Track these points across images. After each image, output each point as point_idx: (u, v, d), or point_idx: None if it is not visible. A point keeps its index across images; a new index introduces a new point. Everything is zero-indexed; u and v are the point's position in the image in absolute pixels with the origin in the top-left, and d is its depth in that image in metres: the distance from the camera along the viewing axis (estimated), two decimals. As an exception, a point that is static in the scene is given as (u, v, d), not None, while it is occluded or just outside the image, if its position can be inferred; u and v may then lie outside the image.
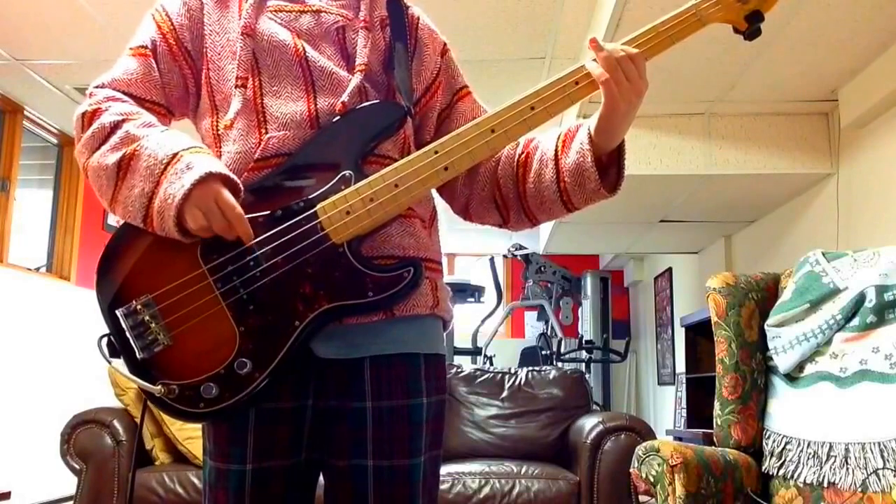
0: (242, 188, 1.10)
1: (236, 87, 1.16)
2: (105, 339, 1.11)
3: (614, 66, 1.10)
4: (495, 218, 1.32)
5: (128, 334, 1.09)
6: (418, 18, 1.31)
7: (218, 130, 1.18)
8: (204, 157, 1.09)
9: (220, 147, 1.17)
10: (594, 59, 1.12)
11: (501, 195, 1.28)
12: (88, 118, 1.14)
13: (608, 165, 1.21)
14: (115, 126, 1.11)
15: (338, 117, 1.15)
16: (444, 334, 1.27)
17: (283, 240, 1.09)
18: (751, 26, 1.14)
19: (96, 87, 1.18)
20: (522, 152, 1.27)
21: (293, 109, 1.15)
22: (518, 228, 1.33)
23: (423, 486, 1.16)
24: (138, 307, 1.09)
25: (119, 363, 1.11)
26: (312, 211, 1.10)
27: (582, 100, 1.16)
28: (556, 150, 1.21)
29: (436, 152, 1.13)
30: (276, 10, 1.21)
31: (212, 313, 1.09)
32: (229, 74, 1.18)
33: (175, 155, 1.07)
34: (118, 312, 1.10)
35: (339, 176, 1.12)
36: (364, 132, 1.15)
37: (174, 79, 1.21)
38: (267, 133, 1.15)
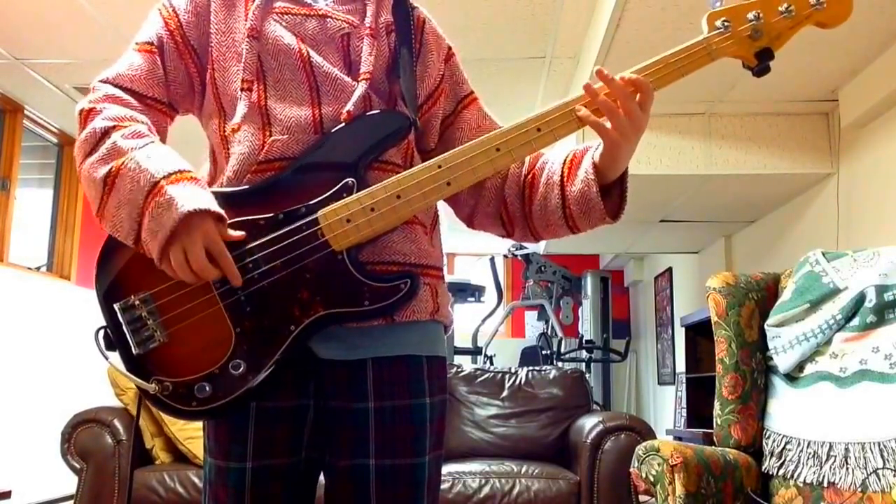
0: (231, 201, 1.10)
1: (242, 90, 1.15)
2: (102, 332, 1.11)
3: (613, 110, 1.11)
4: (499, 230, 1.33)
5: (124, 329, 1.09)
6: (424, 21, 1.29)
7: (225, 132, 1.18)
8: (185, 188, 1.06)
9: (228, 149, 1.17)
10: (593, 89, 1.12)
11: (507, 212, 1.29)
12: (85, 117, 1.14)
13: (611, 188, 1.21)
14: (105, 133, 1.10)
15: (343, 125, 1.15)
16: (445, 337, 1.27)
17: (282, 244, 1.09)
18: (760, 63, 1.15)
19: (100, 81, 1.18)
20: (528, 172, 1.28)
21: (297, 114, 1.15)
22: (521, 241, 1.34)
23: (427, 486, 1.16)
24: (136, 302, 1.09)
25: (115, 357, 1.11)
26: (313, 217, 1.10)
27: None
28: (561, 176, 1.22)
29: (439, 167, 1.13)
30: (282, 13, 1.20)
31: (209, 313, 1.09)
32: (234, 76, 1.18)
33: (156, 185, 1.05)
34: (116, 306, 1.10)
35: (341, 183, 1.12)
36: (368, 141, 1.15)
37: (179, 76, 1.21)
38: (271, 136, 1.14)
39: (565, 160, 1.23)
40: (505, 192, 1.28)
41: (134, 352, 1.09)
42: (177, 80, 1.21)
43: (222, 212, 1.08)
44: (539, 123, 1.14)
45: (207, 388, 1.07)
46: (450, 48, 1.32)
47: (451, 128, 1.30)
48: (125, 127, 1.12)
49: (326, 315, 1.09)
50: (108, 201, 1.09)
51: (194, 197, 1.05)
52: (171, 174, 1.07)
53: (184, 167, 1.09)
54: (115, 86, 1.17)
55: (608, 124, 1.13)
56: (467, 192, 1.28)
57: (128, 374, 1.09)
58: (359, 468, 1.13)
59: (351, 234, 1.10)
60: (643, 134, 1.15)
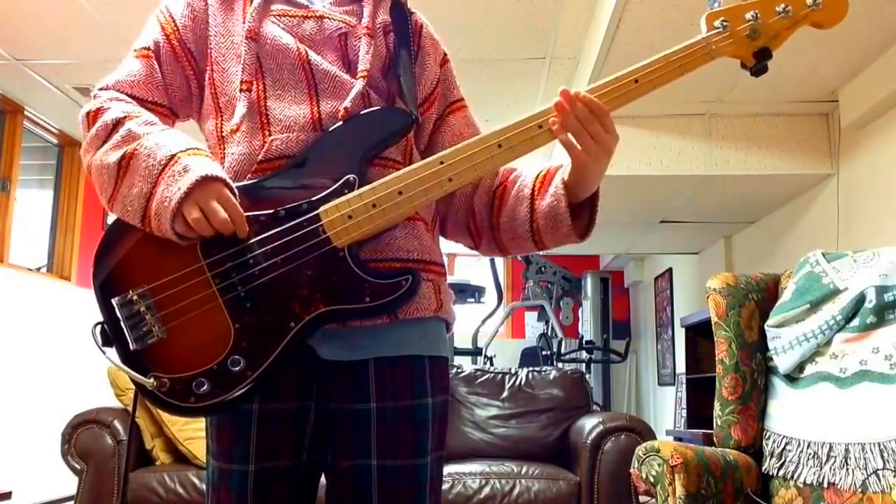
0: (237, 192, 1.10)
1: (241, 90, 1.16)
2: (99, 327, 1.10)
3: (580, 131, 1.10)
4: (467, 241, 1.33)
5: (122, 324, 1.09)
6: (422, 25, 1.30)
7: (222, 132, 1.19)
8: (201, 159, 1.09)
9: (224, 149, 1.18)
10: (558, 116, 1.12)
11: (475, 223, 1.29)
12: (92, 117, 1.14)
13: (581, 208, 1.21)
14: (117, 123, 1.12)
15: (344, 122, 1.15)
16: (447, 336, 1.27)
17: (284, 240, 1.09)
18: (758, 62, 1.17)
19: (100, 88, 1.19)
20: (500, 184, 1.28)
21: (296, 113, 1.16)
22: (488, 255, 1.34)
23: (429, 486, 1.16)
24: (134, 297, 1.09)
25: (112, 352, 1.10)
26: (315, 213, 1.10)
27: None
28: (532, 190, 1.22)
29: (441, 163, 1.13)
30: (279, 15, 1.21)
31: (208, 308, 1.08)
32: (233, 77, 1.18)
33: (173, 157, 1.08)
34: (113, 302, 1.09)
35: (343, 179, 1.12)
36: (370, 138, 1.15)
37: (177, 80, 1.22)
38: (270, 136, 1.15)
39: (538, 175, 1.24)
40: (474, 202, 1.29)
41: (131, 347, 1.08)
42: (174, 83, 1.22)
43: (233, 185, 1.09)
44: (540, 120, 1.14)
45: (205, 385, 1.07)
46: (445, 54, 1.33)
47: (436, 132, 1.30)
48: (137, 116, 1.14)
49: (327, 312, 1.09)
50: (121, 183, 1.09)
51: (210, 166, 1.08)
52: (187, 149, 1.10)
53: (200, 145, 1.12)
54: (116, 91, 1.19)
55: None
56: (439, 201, 1.27)
57: (125, 368, 1.08)
58: (361, 469, 1.13)
59: (352, 230, 1.10)
60: (613, 153, 1.14)
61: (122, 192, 1.09)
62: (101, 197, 1.13)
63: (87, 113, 1.15)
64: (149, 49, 1.21)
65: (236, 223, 1.07)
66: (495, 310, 6.43)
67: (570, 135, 1.12)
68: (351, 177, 1.12)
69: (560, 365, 6.04)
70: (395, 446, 1.13)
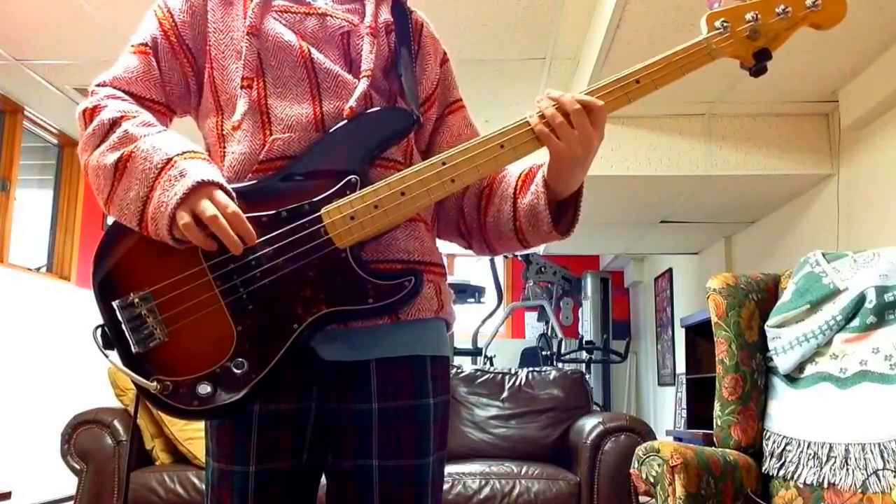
0: (239, 194, 1.09)
1: (242, 87, 1.15)
2: (100, 330, 1.09)
3: (559, 121, 1.10)
4: (460, 242, 1.34)
5: (124, 327, 1.08)
6: (422, 24, 1.30)
7: (222, 130, 1.18)
8: (197, 162, 1.08)
9: (224, 147, 1.17)
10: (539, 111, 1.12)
11: (465, 223, 1.30)
12: (89, 115, 1.13)
13: (567, 206, 1.21)
14: (114, 123, 1.11)
15: (345, 122, 1.15)
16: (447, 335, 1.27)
17: (285, 241, 1.09)
18: (758, 63, 1.18)
19: (97, 85, 1.18)
20: (487, 184, 1.28)
21: (298, 112, 1.15)
22: (481, 254, 1.34)
23: (431, 486, 1.16)
24: (136, 300, 1.08)
25: (114, 355, 1.09)
26: (317, 214, 1.09)
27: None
28: (515, 188, 1.23)
29: (443, 164, 1.12)
30: (281, 11, 1.20)
31: (210, 311, 1.08)
32: (234, 74, 1.18)
33: (169, 160, 1.07)
34: (115, 304, 1.08)
35: (344, 180, 1.11)
36: (372, 138, 1.15)
37: (175, 77, 1.21)
38: (272, 135, 1.14)
39: (521, 174, 1.24)
40: (464, 202, 1.29)
41: (133, 350, 1.08)
42: (172, 80, 1.21)
43: (230, 189, 1.08)
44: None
45: (209, 388, 1.06)
46: (444, 53, 1.33)
47: (435, 132, 1.30)
48: (134, 117, 1.13)
49: (330, 313, 1.09)
50: (118, 186, 1.08)
51: (206, 170, 1.07)
52: (184, 152, 1.09)
53: (197, 148, 1.11)
54: (114, 88, 1.18)
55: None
56: None
57: (128, 372, 1.07)
58: (362, 469, 1.13)
59: (355, 231, 1.10)
60: (595, 153, 1.13)
61: (119, 195, 1.08)
62: (98, 198, 1.12)
63: (84, 110, 1.14)
64: (146, 45, 1.20)
65: (236, 226, 1.06)
66: (495, 310, 6.43)
67: (548, 128, 1.11)
68: (353, 177, 1.12)
69: (560, 365, 6.05)
70: (397, 447, 1.13)
